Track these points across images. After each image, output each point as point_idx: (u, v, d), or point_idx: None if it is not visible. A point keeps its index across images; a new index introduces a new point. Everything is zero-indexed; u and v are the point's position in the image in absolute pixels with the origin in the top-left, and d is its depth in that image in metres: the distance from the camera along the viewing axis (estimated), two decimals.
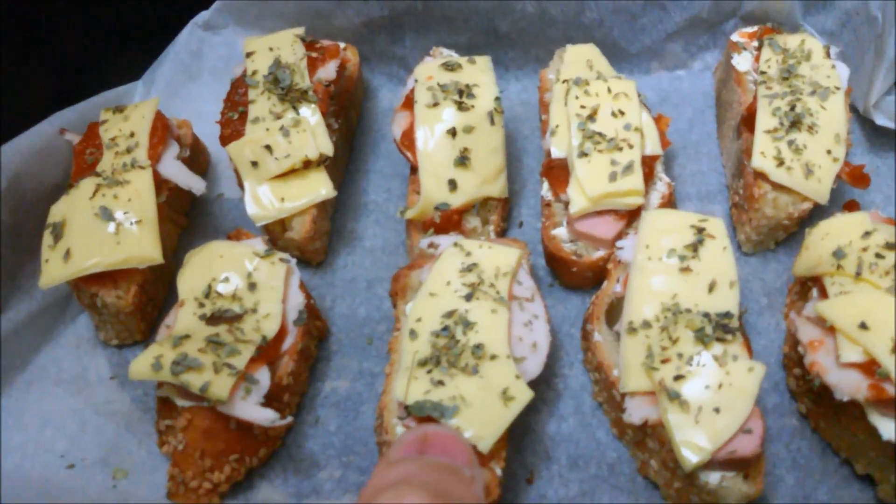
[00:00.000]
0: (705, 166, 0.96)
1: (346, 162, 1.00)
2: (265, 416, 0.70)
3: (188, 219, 0.94)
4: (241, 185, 0.88)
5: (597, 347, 0.76)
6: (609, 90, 0.87)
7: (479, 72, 0.90)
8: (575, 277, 0.85)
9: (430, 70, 0.90)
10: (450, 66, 0.90)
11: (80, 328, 0.86)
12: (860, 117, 0.96)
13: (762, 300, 0.85)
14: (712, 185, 0.94)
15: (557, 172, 0.86)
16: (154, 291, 0.85)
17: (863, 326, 0.66)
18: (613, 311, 0.78)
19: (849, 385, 0.65)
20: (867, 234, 0.74)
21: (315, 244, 0.88)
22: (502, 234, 0.91)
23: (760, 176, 0.83)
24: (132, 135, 0.86)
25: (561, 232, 0.85)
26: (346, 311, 0.87)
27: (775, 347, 0.81)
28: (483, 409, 0.67)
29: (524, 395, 0.69)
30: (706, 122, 1.00)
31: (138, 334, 0.84)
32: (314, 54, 0.92)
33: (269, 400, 0.72)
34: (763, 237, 0.86)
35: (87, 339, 0.86)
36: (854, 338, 0.66)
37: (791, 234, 0.87)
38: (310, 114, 0.87)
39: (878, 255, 0.71)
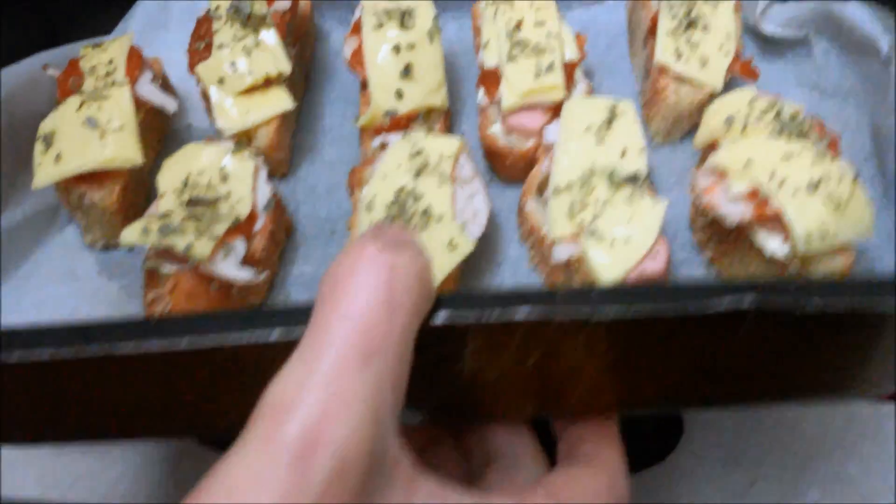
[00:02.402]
0: (620, 81, 1.09)
1: (302, 92, 1.11)
2: (243, 275, 0.80)
3: (162, 146, 1.04)
4: (209, 110, 0.99)
5: (529, 215, 0.88)
6: (531, 5, 1.00)
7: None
8: (510, 170, 0.97)
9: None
10: None
11: (67, 236, 0.95)
12: (755, 36, 1.09)
13: (672, 180, 0.97)
14: (627, 93, 1.07)
15: (491, 80, 0.98)
16: (135, 198, 0.94)
17: (747, 164, 0.79)
18: (543, 188, 0.90)
19: (738, 211, 0.78)
20: (752, 101, 0.87)
21: (279, 154, 0.98)
22: None
23: (663, 70, 0.96)
24: (110, 62, 0.96)
25: (496, 129, 0.97)
26: (309, 213, 0.98)
27: (684, 215, 0.93)
28: (432, 254, 0.78)
29: (467, 245, 0.80)
30: (620, 46, 1.13)
31: None
32: None
33: None
34: (670, 127, 0.99)
35: (75, 244, 0.95)
36: (741, 174, 0.79)
37: (695, 125, 1.00)
38: (269, 37, 0.98)
39: (763, 113, 0.84)
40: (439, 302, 0.57)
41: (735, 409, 0.80)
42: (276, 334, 0.56)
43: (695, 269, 0.89)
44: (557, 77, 0.94)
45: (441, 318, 0.57)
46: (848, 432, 0.85)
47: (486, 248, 0.92)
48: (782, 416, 0.86)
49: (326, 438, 0.41)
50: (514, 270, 0.91)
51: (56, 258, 0.93)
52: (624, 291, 0.59)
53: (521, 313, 0.58)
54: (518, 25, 0.98)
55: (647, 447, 0.89)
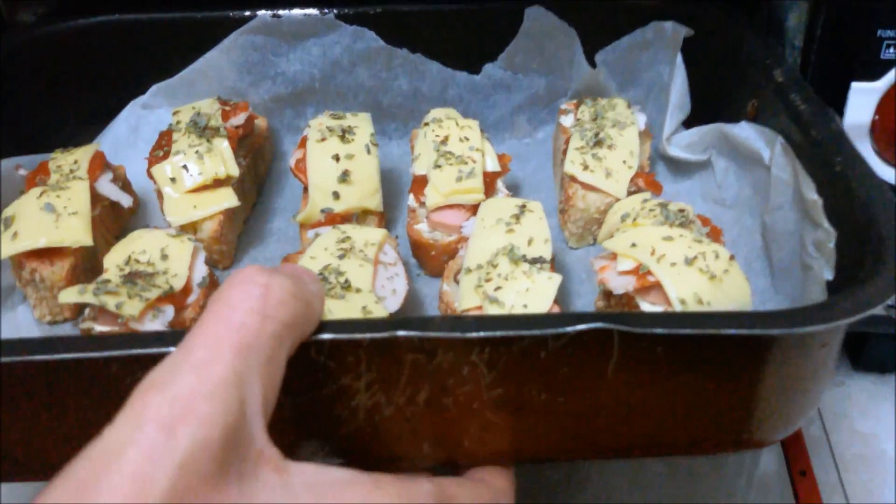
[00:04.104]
0: (543, 196, 1.20)
1: (254, 200, 1.21)
2: None
3: (117, 240, 1.13)
4: (162, 210, 1.08)
5: (445, 294, 0.96)
6: (457, 124, 1.12)
7: (358, 119, 1.15)
8: (435, 261, 1.05)
9: (320, 119, 1.15)
10: (336, 116, 1.15)
11: (19, 315, 1.02)
12: (665, 160, 1.22)
13: (584, 276, 1.05)
14: (548, 207, 1.15)
15: (420, 185, 1.09)
16: (84, 279, 1.01)
17: (633, 246, 0.87)
18: (459, 274, 0.98)
19: (624, 283, 0.85)
20: (645, 201, 0.97)
21: (221, 246, 1.07)
22: None
23: (572, 179, 1.07)
24: (75, 162, 1.07)
25: (422, 227, 1.06)
26: None
27: (591, 306, 1.00)
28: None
29: (380, 312, 0.86)
30: (546, 169, 1.26)
31: (68, 311, 0.99)
32: (227, 108, 1.16)
33: None
34: (581, 231, 1.08)
35: (25, 322, 1.01)
36: (627, 254, 0.87)
37: None
38: (220, 144, 1.09)
39: (650, 210, 0.94)
40: (323, 326, 0.63)
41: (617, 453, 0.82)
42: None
43: None
44: (477, 181, 1.05)
45: (324, 336, 0.63)
46: None
47: None
48: None
49: (193, 412, 0.47)
50: None
51: (5, 332, 0.99)
52: (491, 320, 0.66)
53: (400, 334, 0.65)
54: (445, 140, 1.10)
55: None
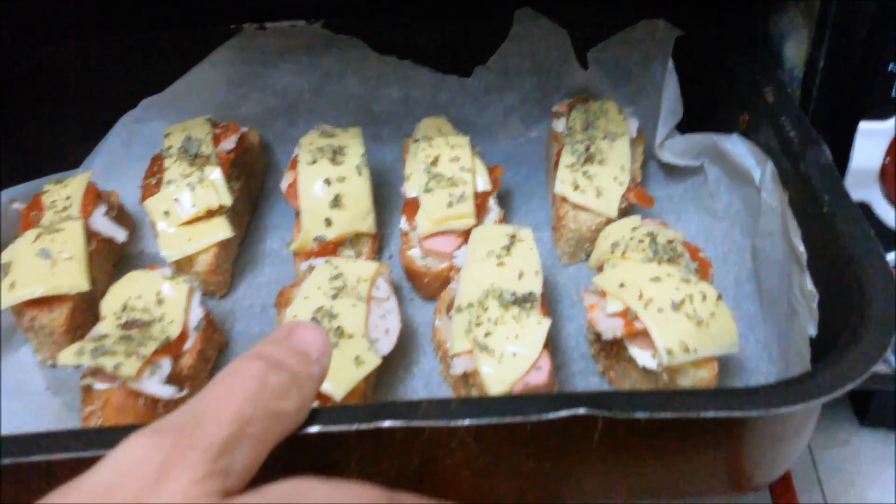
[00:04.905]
0: (536, 206, 1.20)
1: (248, 219, 1.22)
2: (166, 391, 0.88)
3: (115, 270, 1.14)
4: (157, 237, 1.09)
5: (438, 331, 0.97)
6: (447, 143, 1.11)
7: (349, 137, 1.14)
8: (428, 288, 1.06)
9: (310, 138, 1.14)
10: (326, 134, 1.14)
11: (21, 355, 1.04)
12: (660, 164, 1.21)
13: (575, 297, 1.06)
14: (541, 219, 1.17)
15: (411, 208, 1.09)
16: (83, 321, 1.02)
17: (621, 286, 0.88)
18: (451, 307, 0.98)
19: (612, 327, 0.86)
20: (635, 228, 0.97)
21: (217, 277, 1.08)
22: None
23: (563, 200, 1.07)
24: (68, 198, 1.08)
25: (415, 252, 1.07)
26: (242, 330, 1.06)
27: (582, 329, 1.02)
28: (338, 368, 0.86)
29: (373, 360, 0.88)
30: (539, 176, 1.25)
31: None
32: (218, 131, 1.15)
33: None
34: (573, 249, 1.09)
35: (27, 364, 1.03)
36: (615, 294, 0.87)
37: None
38: (213, 173, 1.09)
39: (640, 241, 0.94)
40: (315, 414, 0.65)
41: None
42: None
43: (590, 377, 0.97)
44: (468, 206, 1.04)
45: (314, 428, 0.65)
46: None
47: (402, 359, 1.00)
48: None
49: (183, 461, 0.51)
50: (427, 381, 0.98)
51: (8, 374, 1.01)
52: (476, 403, 0.68)
53: (385, 425, 0.66)
54: (435, 161, 1.09)
55: None
